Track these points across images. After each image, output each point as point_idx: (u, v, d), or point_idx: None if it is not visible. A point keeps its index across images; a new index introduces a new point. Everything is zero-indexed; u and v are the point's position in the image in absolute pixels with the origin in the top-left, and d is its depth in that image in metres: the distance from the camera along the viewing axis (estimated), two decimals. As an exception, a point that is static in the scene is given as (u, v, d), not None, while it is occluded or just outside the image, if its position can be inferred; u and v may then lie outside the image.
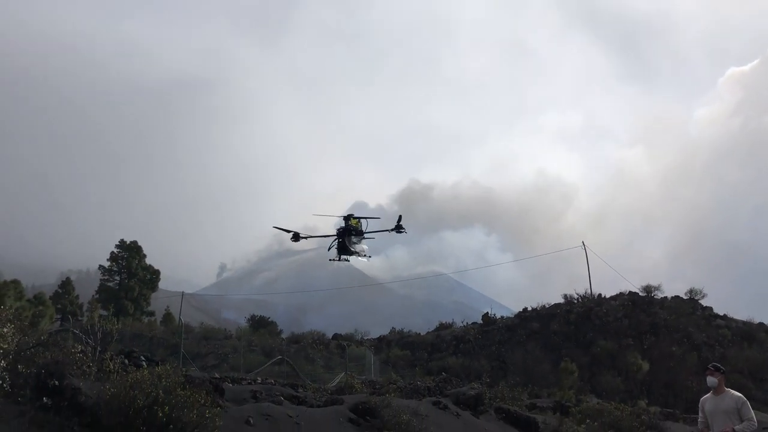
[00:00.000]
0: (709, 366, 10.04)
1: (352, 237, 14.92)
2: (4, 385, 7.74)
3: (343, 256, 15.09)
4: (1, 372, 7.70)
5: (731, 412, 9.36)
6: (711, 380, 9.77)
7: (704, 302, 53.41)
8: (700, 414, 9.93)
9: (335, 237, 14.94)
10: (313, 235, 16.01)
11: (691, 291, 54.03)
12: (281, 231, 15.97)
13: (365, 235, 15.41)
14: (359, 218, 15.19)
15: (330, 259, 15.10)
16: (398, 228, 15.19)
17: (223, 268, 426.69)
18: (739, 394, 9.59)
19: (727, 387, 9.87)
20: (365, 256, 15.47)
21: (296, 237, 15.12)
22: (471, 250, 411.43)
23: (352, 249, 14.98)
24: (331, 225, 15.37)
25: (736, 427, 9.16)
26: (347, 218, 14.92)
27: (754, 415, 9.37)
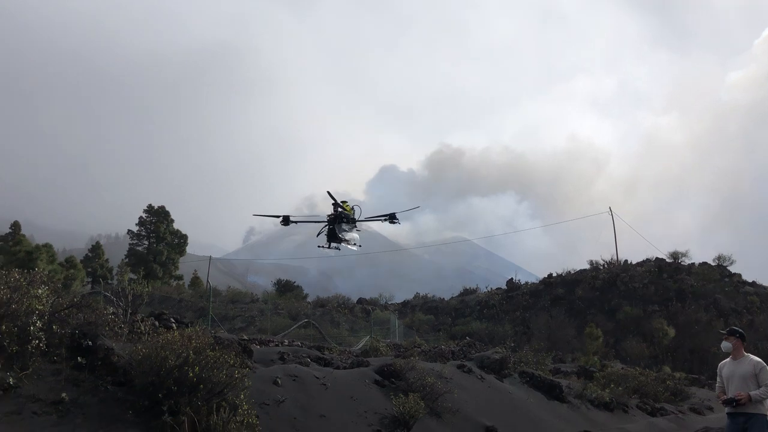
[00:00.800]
0: (723, 330, 9.79)
1: (343, 225, 14.55)
2: (41, 344, 7.97)
3: (333, 244, 14.73)
4: (38, 332, 7.92)
5: (748, 376, 9.07)
6: (725, 345, 9.49)
7: (733, 269, 52.62)
8: (718, 378, 9.75)
9: (325, 223, 14.56)
10: (304, 219, 15.60)
11: (719, 257, 53.21)
12: (266, 217, 15.25)
13: (357, 224, 14.99)
14: (352, 206, 14.82)
15: (318, 246, 14.77)
16: (392, 218, 14.82)
17: (250, 232, 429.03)
18: (759, 359, 9.26)
19: (749, 352, 9.61)
20: (355, 245, 15.07)
21: (286, 221, 14.73)
22: (501, 217, 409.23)
23: (342, 237, 14.59)
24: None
25: (752, 393, 8.92)
26: (337, 204, 14.51)
27: None
